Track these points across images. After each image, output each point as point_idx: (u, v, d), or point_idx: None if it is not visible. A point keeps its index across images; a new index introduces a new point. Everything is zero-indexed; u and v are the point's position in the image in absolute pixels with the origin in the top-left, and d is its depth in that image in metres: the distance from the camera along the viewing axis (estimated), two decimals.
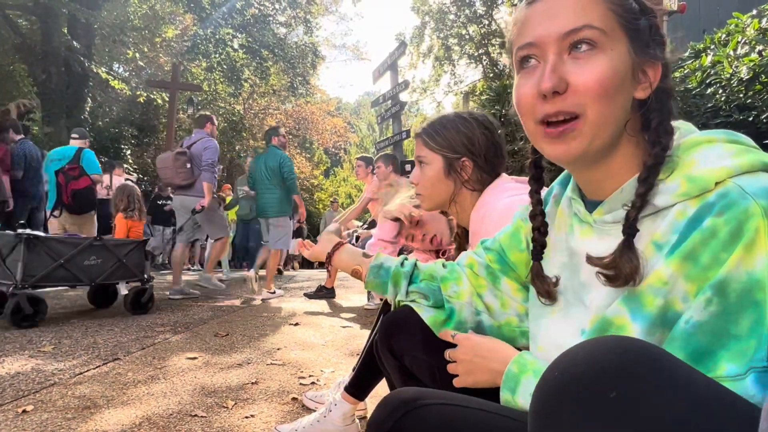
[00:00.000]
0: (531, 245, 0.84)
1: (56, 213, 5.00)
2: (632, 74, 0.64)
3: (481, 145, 1.30)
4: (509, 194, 1.22)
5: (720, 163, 0.59)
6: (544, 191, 0.86)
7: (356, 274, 1.14)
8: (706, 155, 0.62)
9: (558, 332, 0.76)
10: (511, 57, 0.72)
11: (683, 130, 0.68)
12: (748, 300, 0.53)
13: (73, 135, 5.42)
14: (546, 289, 0.78)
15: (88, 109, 12.45)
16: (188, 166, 4.65)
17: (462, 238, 1.43)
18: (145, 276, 3.95)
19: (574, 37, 0.63)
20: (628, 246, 0.63)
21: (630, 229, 0.63)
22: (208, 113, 5.12)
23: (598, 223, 0.71)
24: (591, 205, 0.73)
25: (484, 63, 16.43)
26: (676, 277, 0.58)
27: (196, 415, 1.79)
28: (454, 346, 0.93)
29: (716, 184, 0.58)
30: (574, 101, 0.63)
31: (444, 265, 1.05)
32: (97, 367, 2.35)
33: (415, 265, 1.07)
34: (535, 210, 0.81)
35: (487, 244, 1.00)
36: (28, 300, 3.14)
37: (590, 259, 0.68)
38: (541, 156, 0.78)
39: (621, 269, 0.62)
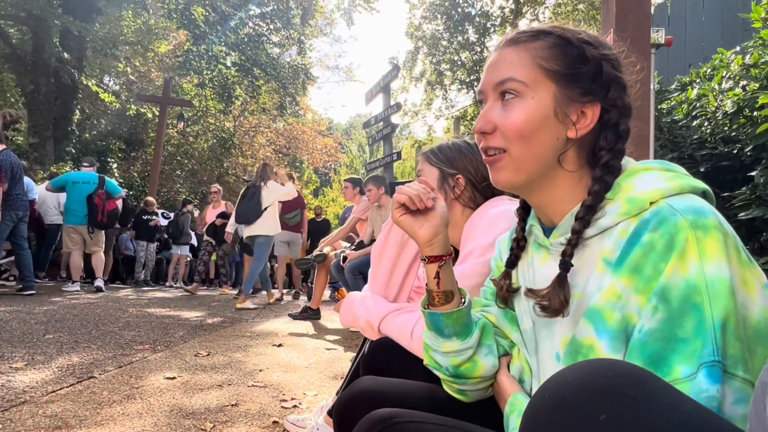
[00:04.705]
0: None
1: (90, 230, 6.27)
2: (558, 117, 0.73)
3: (481, 172, 1.31)
4: (503, 206, 1.24)
5: (654, 186, 0.67)
6: None
7: None
8: (642, 180, 0.70)
9: (545, 361, 0.79)
10: None
11: (623, 162, 0.76)
12: (689, 304, 0.58)
13: (85, 164, 6.58)
14: (503, 294, 0.86)
15: (75, 121, 12.36)
16: None
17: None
18: None
19: (501, 87, 0.75)
20: (560, 282, 0.70)
21: (564, 264, 0.70)
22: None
23: (555, 245, 0.77)
24: (548, 232, 0.80)
25: (476, 89, 16.69)
26: (628, 291, 0.63)
27: None
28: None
29: (651, 204, 0.66)
30: (500, 141, 0.75)
31: None
32: (70, 385, 2.27)
33: None
34: (519, 225, 0.88)
35: (482, 301, 0.97)
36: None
37: (527, 293, 0.75)
38: None
39: (551, 302, 0.69)
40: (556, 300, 0.69)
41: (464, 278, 1.19)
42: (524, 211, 0.87)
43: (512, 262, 0.87)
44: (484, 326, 0.88)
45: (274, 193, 5.74)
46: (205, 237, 7.87)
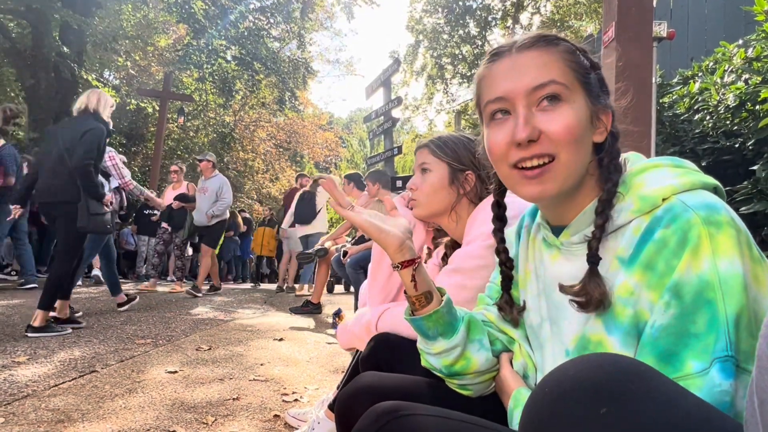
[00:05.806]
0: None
1: None
2: (590, 121, 0.72)
3: (486, 166, 1.30)
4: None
5: (665, 182, 0.67)
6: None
7: None
8: (653, 177, 0.69)
9: (553, 357, 0.79)
10: (478, 109, 0.80)
11: (632, 159, 0.77)
12: (702, 299, 0.58)
13: None
14: (513, 316, 0.87)
15: None
16: None
17: (451, 250, 1.42)
18: None
19: (541, 91, 0.70)
20: (593, 273, 0.68)
21: (593, 258, 0.69)
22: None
23: (565, 245, 0.77)
24: (556, 230, 0.79)
25: None
26: (640, 287, 0.63)
27: (174, 431, 1.74)
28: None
29: (663, 200, 0.65)
30: (549, 147, 0.70)
31: None
32: (73, 379, 2.28)
33: None
34: (499, 247, 0.89)
35: (486, 299, 0.98)
36: None
37: (562, 288, 0.72)
38: (503, 196, 0.90)
39: (591, 294, 0.67)
40: (596, 291, 0.66)
41: (469, 258, 1.20)
42: (502, 231, 0.88)
43: (507, 286, 0.88)
44: (470, 322, 0.88)
45: (326, 195, 6.44)
46: (162, 223, 6.60)
